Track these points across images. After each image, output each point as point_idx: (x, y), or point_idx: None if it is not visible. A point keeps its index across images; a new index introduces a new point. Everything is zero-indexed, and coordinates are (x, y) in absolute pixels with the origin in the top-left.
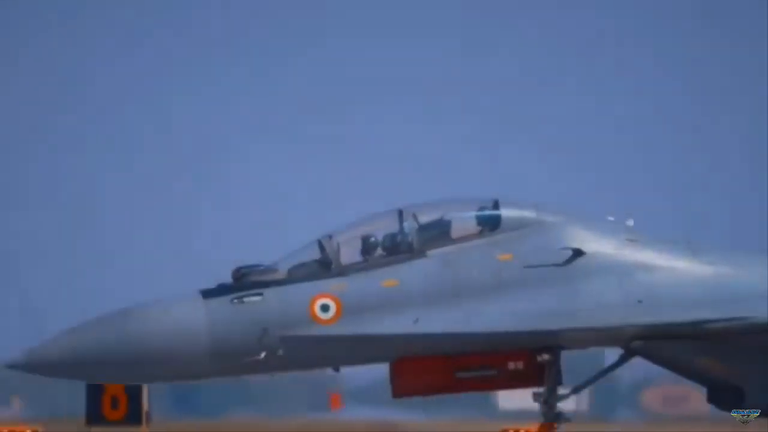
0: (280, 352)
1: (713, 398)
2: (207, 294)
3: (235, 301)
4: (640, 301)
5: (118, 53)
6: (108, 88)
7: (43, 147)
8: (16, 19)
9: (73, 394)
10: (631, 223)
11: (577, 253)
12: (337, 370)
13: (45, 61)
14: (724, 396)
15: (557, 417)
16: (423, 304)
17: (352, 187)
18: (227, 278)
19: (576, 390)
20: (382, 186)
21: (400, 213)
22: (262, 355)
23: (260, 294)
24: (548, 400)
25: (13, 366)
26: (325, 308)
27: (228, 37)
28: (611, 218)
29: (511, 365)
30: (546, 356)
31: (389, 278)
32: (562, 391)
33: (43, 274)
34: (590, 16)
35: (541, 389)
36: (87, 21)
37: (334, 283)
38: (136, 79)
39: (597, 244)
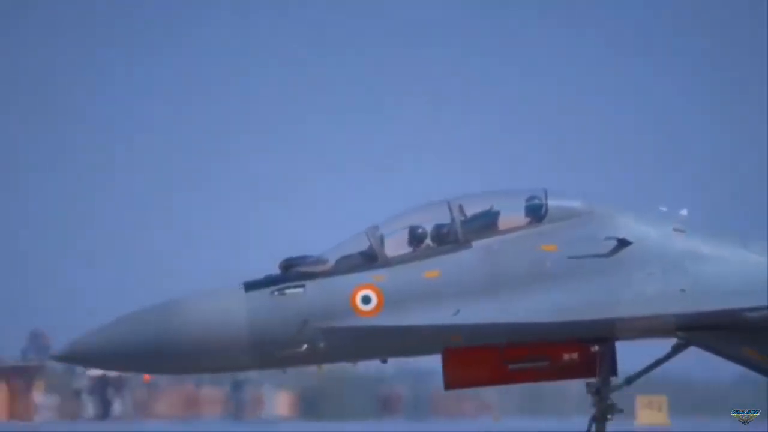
0: (322, 344)
1: None
2: (249, 286)
3: (276, 293)
4: (683, 291)
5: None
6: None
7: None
8: (17, 18)
9: None
10: (684, 213)
11: (623, 243)
12: (384, 361)
13: (44, 63)
14: None
15: (609, 408)
16: (464, 294)
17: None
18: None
19: (629, 381)
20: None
21: (448, 204)
22: (304, 347)
23: (302, 286)
24: (600, 391)
25: (55, 357)
26: (366, 300)
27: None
28: (664, 209)
29: (566, 356)
30: (597, 347)
31: (431, 269)
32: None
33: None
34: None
35: (593, 380)
36: (86, 22)
37: (376, 275)
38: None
39: (643, 234)
